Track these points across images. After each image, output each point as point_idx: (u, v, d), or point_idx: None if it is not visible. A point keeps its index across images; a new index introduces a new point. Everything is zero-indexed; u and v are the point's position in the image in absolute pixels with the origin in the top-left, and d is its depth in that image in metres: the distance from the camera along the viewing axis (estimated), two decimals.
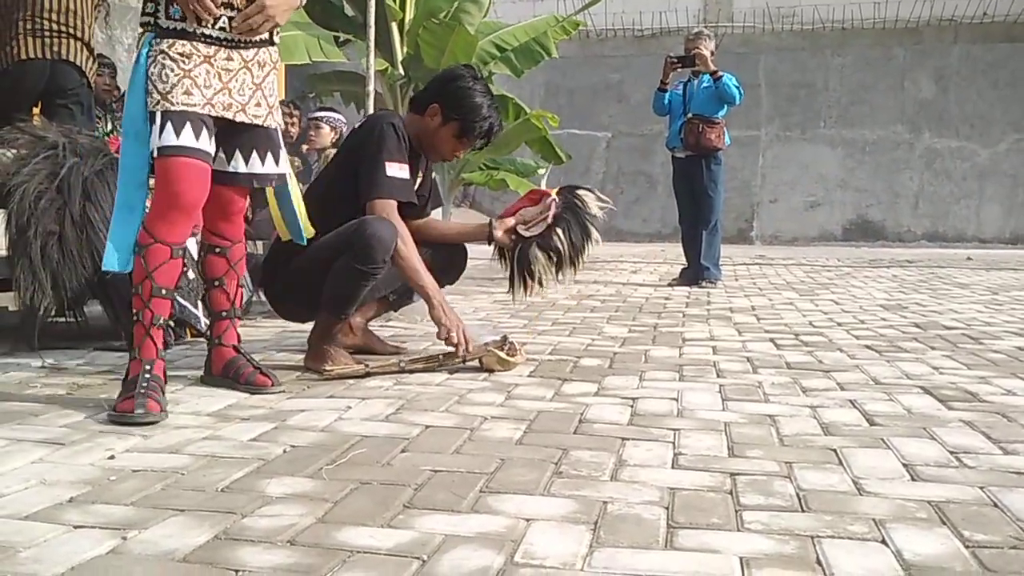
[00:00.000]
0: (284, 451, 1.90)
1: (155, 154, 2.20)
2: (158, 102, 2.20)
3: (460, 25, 5.37)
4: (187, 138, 2.22)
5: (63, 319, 3.19)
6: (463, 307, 4.51)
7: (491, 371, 2.81)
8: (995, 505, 1.59)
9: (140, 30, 2.32)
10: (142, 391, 2.14)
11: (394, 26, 5.52)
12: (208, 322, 3.50)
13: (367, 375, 2.70)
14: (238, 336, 2.63)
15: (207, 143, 2.27)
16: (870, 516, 1.54)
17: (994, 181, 11.74)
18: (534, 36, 6.16)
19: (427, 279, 2.80)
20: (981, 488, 1.68)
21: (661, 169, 11.10)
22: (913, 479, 1.75)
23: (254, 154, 2.44)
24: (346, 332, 2.95)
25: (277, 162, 2.48)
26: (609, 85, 12.55)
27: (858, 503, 1.60)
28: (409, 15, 5.56)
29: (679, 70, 5.99)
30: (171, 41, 2.24)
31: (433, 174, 3.27)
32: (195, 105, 2.23)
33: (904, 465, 1.83)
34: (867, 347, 3.39)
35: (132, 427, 2.05)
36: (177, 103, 2.20)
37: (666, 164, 6.46)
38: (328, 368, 2.70)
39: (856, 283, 6.35)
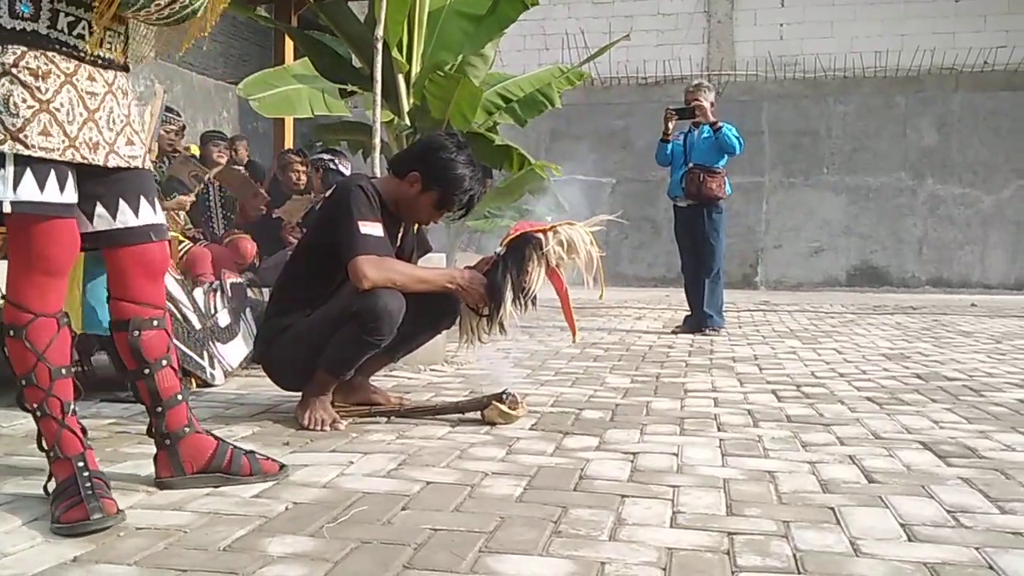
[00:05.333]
0: (286, 508, 1.92)
1: (5, 207, 1.76)
2: (4, 140, 1.73)
3: (465, 77, 5.45)
4: (52, 192, 1.78)
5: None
6: (465, 355, 4.52)
7: (493, 424, 2.83)
8: (990, 567, 1.61)
9: None
10: (89, 492, 1.77)
11: (400, 78, 5.60)
12: (215, 375, 3.55)
13: (333, 423, 2.76)
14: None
15: (72, 193, 1.84)
16: None
17: (998, 227, 11.78)
18: (539, 87, 6.24)
19: (430, 275, 2.88)
20: (977, 549, 1.70)
21: (665, 215, 11.14)
22: (910, 539, 1.76)
23: (142, 201, 1.98)
24: (347, 390, 2.98)
25: (156, 211, 2.02)
26: (613, 132, 12.68)
27: (854, 565, 1.62)
28: (415, 68, 5.65)
29: (678, 122, 6.07)
30: (18, 51, 1.76)
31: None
32: (55, 150, 1.78)
33: (901, 525, 1.84)
34: (868, 399, 3.40)
35: (89, 534, 1.71)
36: (34, 146, 1.75)
37: (670, 210, 6.52)
38: (304, 422, 2.76)
39: (859, 331, 6.36)
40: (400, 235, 3.03)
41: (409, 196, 2.90)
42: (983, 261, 11.83)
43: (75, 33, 1.83)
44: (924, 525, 1.84)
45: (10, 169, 1.75)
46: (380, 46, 4.58)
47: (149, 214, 2.00)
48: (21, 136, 1.75)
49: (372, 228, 2.74)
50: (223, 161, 5.81)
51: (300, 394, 2.86)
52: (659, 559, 1.63)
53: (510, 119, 6.36)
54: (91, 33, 1.85)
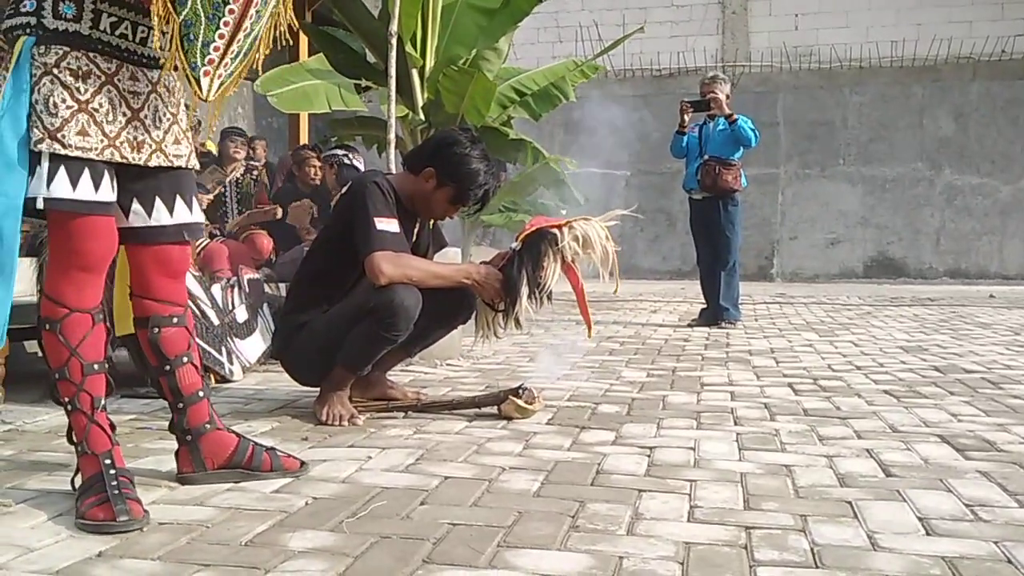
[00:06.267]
0: (306, 503, 1.94)
1: (41, 203, 1.79)
2: (42, 139, 1.76)
3: (479, 72, 5.47)
4: (85, 190, 1.81)
5: None
6: (482, 350, 4.53)
7: (509, 419, 2.84)
8: (1009, 561, 1.60)
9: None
10: (115, 492, 1.78)
11: (415, 73, 5.62)
12: (234, 371, 3.57)
13: (351, 418, 2.77)
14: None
15: (108, 192, 1.86)
16: (884, 573, 1.55)
17: (1016, 217, 11.68)
18: (553, 81, 6.26)
19: (446, 270, 2.91)
20: (996, 543, 1.69)
21: (680, 207, 11.10)
22: (928, 533, 1.76)
23: (178, 200, 2.00)
24: (365, 385, 3.00)
25: (193, 210, 2.05)
26: (628, 124, 12.61)
27: (872, 559, 1.62)
28: (429, 62, 5.67)
29: (693, 114, 6.06)
30: (60, 51, 1.79)
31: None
32: (92, 149, 1.80)
33: (919, 519, 1.84)
34: (885, 392, 3.39)
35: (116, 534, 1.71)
36: (70, 145, 1.77)
37: (685, 202, 6.51)
38: (323, 417, 2.77)
39: (876, 323, 6.34)
40: (415, 231, 3.05)
41: (424, 192, 2.91)
42: (1001, 251, 11.74)
43: (118, 33, 1.85)
44: (942, 519, 1.84)
45: (45, 167, 1.78)
46: (394, 41, 4.59)
47: (185, 213, 2.02)
48: (59, 136, 1.77)
49: (388, 224, 2.76)
50: (240, 157, 5.83)
51: (318, 389, 2.88)
52: (677, 553, 1.64)
53: (524, 113, 6.37)
54: (135, 33, 1.87)
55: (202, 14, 1.75)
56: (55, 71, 1.79)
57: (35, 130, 1.77)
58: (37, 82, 1.77)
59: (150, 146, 1.92)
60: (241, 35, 1.81)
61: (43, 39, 1.79)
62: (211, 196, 5.24)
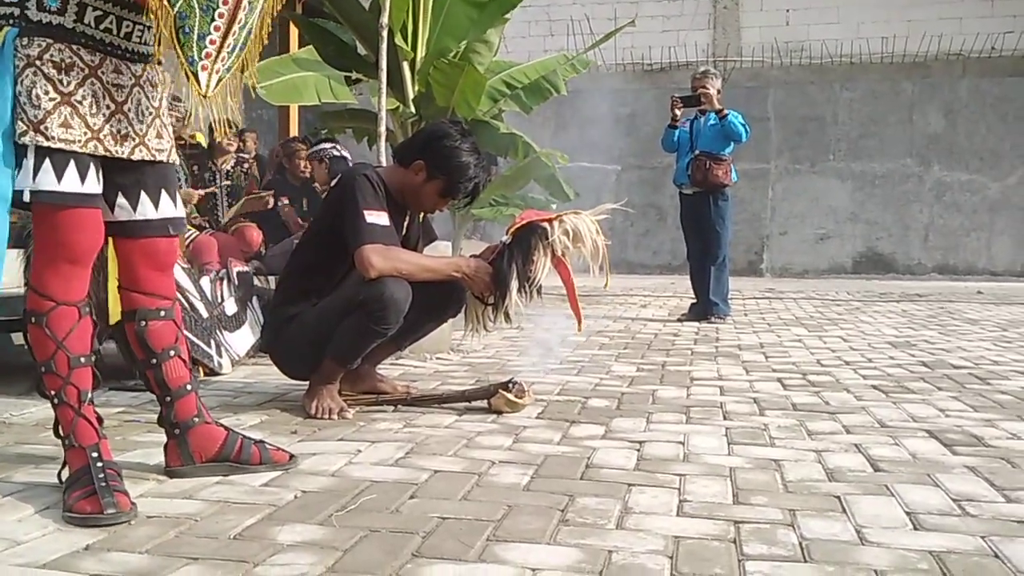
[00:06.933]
0: (295, 497, 1.93)
1: (27, 196, 1.79)
2: (26, 131, 1.76)
3: (470, 64, 5.45)
4: (71, 182, 1.80)
5: None
6: (472, 343, 4.54)
7: (499, 413, 2.84)
8: (996, 556, 1.61)
9: None
10: (102, 485, 1.78)
11: (405, 65, 5.61)
12: (222, 363, 3.56)
13: (341, 412, 2.77)
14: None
15: (95, 184, 1.85)
16: (872, 567, 1.56)
17: (1005, 214, 11.74)
18: (544, 74, 6.25)
19: (436, 263, 2.89)
20: (983, 538, 1.70)
21: (671, 202, 11.11)
22: (915, 528, 1.77)
23: (163, 195, 2.00)
24: (354, 379, 2.99)
25: (176, 204, 2.06)
26: (619, 118, 12.62)
27: (860, 553, 1.62)
28: (420, 55, 5.66)
29: (684, 109, 6.06)
30: (43, 43, 1.77)
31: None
32: (75, 142, 1.80)
33: (907, 513, 1.85)
34: (874, 387, 3.41)
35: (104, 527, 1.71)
36: (53, 137, 1.77)
37: (675, 197, 6.51)
38: (312, 410, 2.77)
39: (866, 318, 6.36)
40: (405, 224, 3.04)
41: (414, 184, 2.90)
42: (989, 248, 11.79)
43: (102, 27, 1.85)
44: (930, 513, 1.85)
45: (31, 159, 1.78)
46: (385, 33, 4.58)
47: (169, 207, 2.02)
48: (42, 128, 1.77)
49: (378, 217, 2.75)
50: (232, 149, 5.79)
51: (307, 383, 2.87)
52: (666, 547, 1.65)
53: (515, 106, 6.36)
54: (119, 28, 1.87)
55: (196, 6, 1.75)
56: (38, 63, 1.77)
57: (19, 123, 1.76)
58: (20, 74, 1.76)
59: (133, 139, 1.92)
60: (236, 27, 1.81)
61: (26, 31, 1.77)
62: (203, 191, 5.21)
